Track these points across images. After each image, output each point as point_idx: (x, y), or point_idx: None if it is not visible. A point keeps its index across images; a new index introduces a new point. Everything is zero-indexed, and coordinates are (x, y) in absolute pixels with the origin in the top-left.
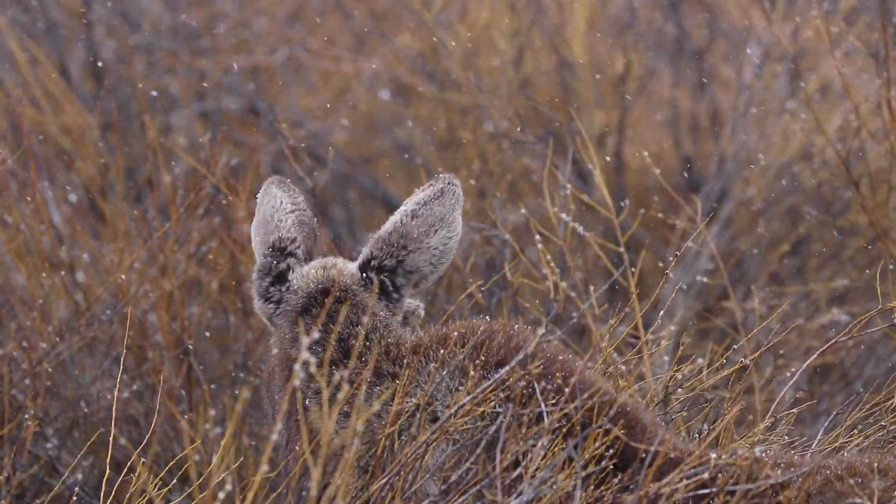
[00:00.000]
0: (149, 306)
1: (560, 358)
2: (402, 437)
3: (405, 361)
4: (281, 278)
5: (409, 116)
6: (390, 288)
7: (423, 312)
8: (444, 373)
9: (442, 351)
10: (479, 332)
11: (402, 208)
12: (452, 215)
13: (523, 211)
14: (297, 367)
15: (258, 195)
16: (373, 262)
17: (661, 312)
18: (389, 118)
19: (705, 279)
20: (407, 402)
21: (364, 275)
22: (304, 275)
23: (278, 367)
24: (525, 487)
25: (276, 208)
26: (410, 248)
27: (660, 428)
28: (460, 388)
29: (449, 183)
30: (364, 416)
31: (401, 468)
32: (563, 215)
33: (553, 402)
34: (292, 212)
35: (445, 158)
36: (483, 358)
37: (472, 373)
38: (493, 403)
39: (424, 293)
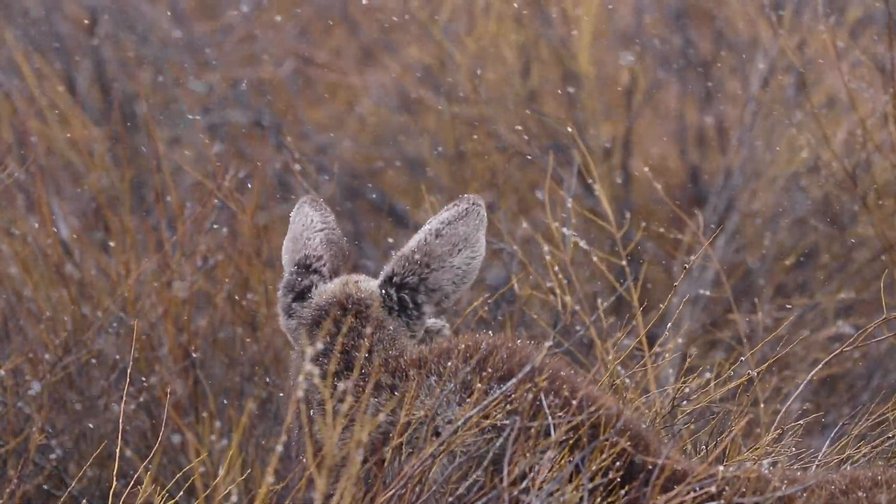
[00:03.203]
0: (156, 318)
1: (564, 373)
2: (403, 451)
3: (408, 373)
4: (303, 295)
5: (417, 129)
6: (410, 305)
7: (448, 332)
8: (451, 386)
9: (448, 363)
10: (483, 347)
11: (426, 227)
12: (476, 235)
13: (525, 225)
14: (299, 378)
15: (291, 213)
16: (395, 279)
17: (669, 325)
18: (396, 131)
19: (710, 292)
20: (411, 416)
21: (384, 291)
22: (324, 291)
23: (294, 381)
24: (532, 500)
25: (307, 226)
26: (434, 267)
27: (663, 444)
28: (465, 402)
29: (473, 203)
30: (368, 428)
31: (407, 480)
32: (564, 229)
33: (560, 415)
34: (321, 230)
35: (453, 171)
36: (489, 371)
37: (478, 384)
38: (498, 416)
39: (447, 313)
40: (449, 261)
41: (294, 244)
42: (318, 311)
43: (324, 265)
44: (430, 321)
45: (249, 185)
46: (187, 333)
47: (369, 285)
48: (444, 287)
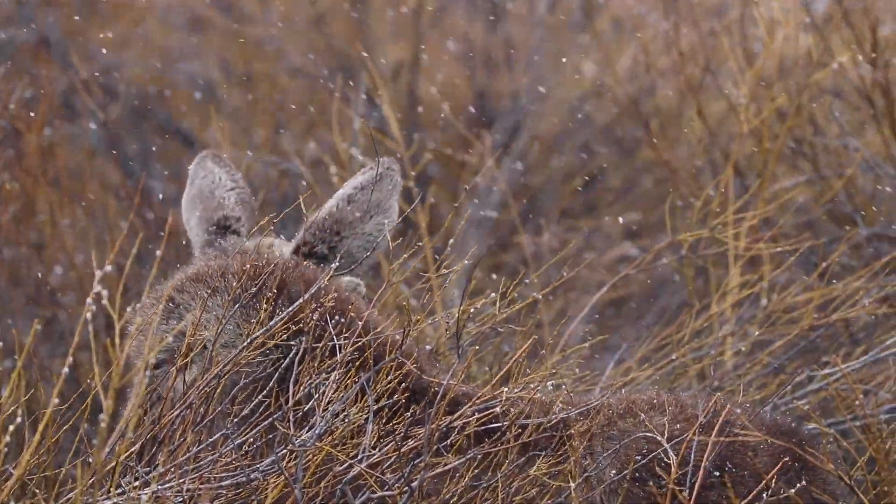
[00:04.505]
0: None
1: (345, 294)
2: (185, 372)
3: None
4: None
5: (205, 50)
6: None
7: (364, 290)
8: (221, 300)
9: (226, 280)
10: (267, 266)
11: (339, 192)
12: (389, 201)
13: (313, 146)
14: (88, 300)
15: (190, 167)
16: (304, 248)
17: (451, 242)
18: (184, 52)
19: (496, 214)
20: (195, 337)
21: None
22: (237, 246)
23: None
24: (317, 420)
25: (217, 184)
26: (344, 234)
27: (448, 366)
28: (248, 321)
29: (388, 168)
30: (156, 350)
31: (191, 402)
32: (352, 150)
33: (345, 335)
34: (233, 189)
35: (241, 93)
36: (274, 291)
37: (263, 305)
38: (283, 336)
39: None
40: (360, 228)
41: (204, 202)
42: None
43: (242, 226)
44: (346, 279)
45: (35, 106)
46: None
47: (283, 251)
48: (354, 254)
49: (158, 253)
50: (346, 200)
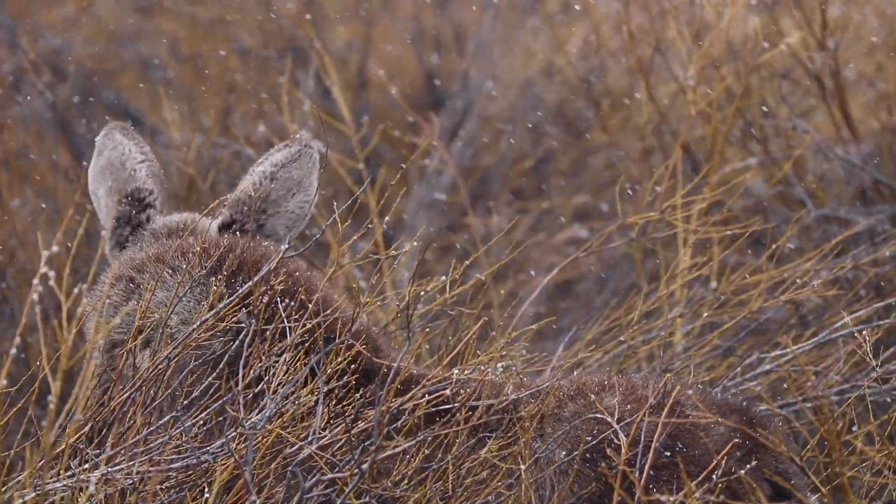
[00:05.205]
0: None
1: (301, 275)
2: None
3: (146, 267)
4: (138, 228)
5: (153, 31)
6: None
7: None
8: (179, 280)
9: (185, 260)
10: (221, 246)
11: (259, 169)
12: (310, 179)
13: (262, 128)
14: (35, 281)
15: (97, 139)
16: (234, 226)
17: (406, 218)
18: (132, 32)
19: (446, 196)
20: (146, 318)
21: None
22: (169, 221)
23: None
24: (267, 402)
25: (126, 156)
26: (270, 213)
27: (398, 347)
28: (201, 301)
29: (306, 146)
30: (104, 331)
31: (143, 383)
32: (301, 132)
33: (296, 317)
34: (143, 162)
35: (191, 74)
36: (225, 272)
37: (214, 287)
38: (234, 319)
39: None
40: (284, 206)
41: (114, 174)
42: (160, 239)
43: (156, 199)
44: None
45: None
46: None
47: (210, 227)
48: (278, 231)
49: (104, 233)
50: (269, 178)
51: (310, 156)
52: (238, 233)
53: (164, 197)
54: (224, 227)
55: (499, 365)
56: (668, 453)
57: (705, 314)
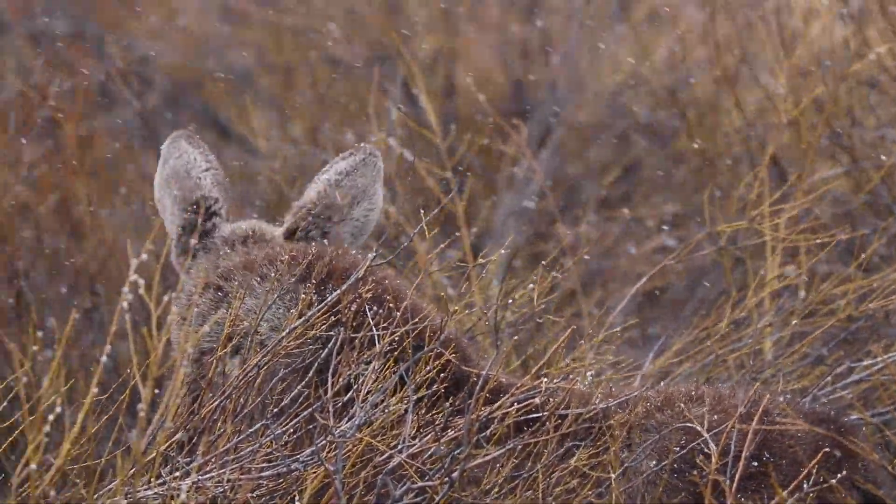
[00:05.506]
0: None
1: (389, 283)
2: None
3: (234, 275)
4: (204, 237)
5: (241, 40)
6: None
7: None
8: (269, 288)
9: (274, 268)
10: (309, 255)
11: (324, 177)
12: (374, 187)
13: (350, 136)
14: (124, 289)
15: (163, 147)
16: (299, 234)
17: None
18: (220, 42)
19: (534, 205)
20: (236, 326)
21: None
22: (236, 228)
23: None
24: (357, 411)
25: (191, 165)
26: (335, 220)
27: (487, 356)
28: (290, 309)
29: (370, 154)
30: (193, 340)
31: (232, 391)
32: (389, 140)
33: (384, 325)
34: (208, 170)
35: (278, 83)
36: (313, 281)
37: (303, 294)
38: (322, 327)
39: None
40: (349, 213)
41: (179, 182)
42: (234, 247)
43: (221, 207)
44: None
45: (73, 97)
46: (11, 244)
47: (275, 234)
48: (343, 239)
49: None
50: (333, 186)
51: (374, 164)
52: (302, 239)
53: (230, 204)
54: (289, 235)
55: (588, 373)
56: (755, 463)
57: (794, 323)
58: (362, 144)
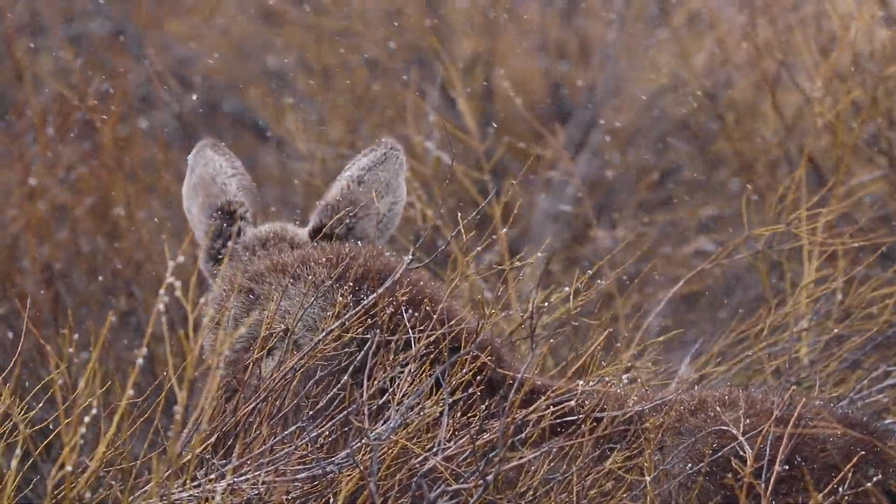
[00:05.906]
0: (17, 230)
1: (425, 286)
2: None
3: (266, 277)
4: (230, 241)
5: (279, 42)
6: None
7: None
8: (304, 289)
9: (308, 269)
10: (344, 257)
11: (346, 174)
12: (397, 181)
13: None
14: (161, 291)
15: (190, 157)
16: (324, 230)
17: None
18: (259, 44)
19: (571, 208)
20: (271, 328)
21: (315, 242)
22: (261, 231)
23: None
24: (392, 413)
25: (217, 172)
26: (360, 216)
27: (522, 359)
28: (325, 311)
29: (392, 148)
30: (228, 342)
31: (268, 394)
32: (427, 143)
33: (420, 328)
34: (233, 176)
35: (317, 85)
36: (349, 283)
37: (339, 297)
38: (359, 330)
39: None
40: (373, 208)
41: (206, 189)
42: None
43: (247, 211)
44: None
45: (111, 99)
46: (48, 245)
47: (300, 233)
48: (368, 234)
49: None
50: (356, 182)
51: (396, 158)
52: (328, 237)
53: (257, 209)
54: (314, 233)
55: (624, 377)
56: (787, 466)
57: (832, 328)
58: (383, 139)
